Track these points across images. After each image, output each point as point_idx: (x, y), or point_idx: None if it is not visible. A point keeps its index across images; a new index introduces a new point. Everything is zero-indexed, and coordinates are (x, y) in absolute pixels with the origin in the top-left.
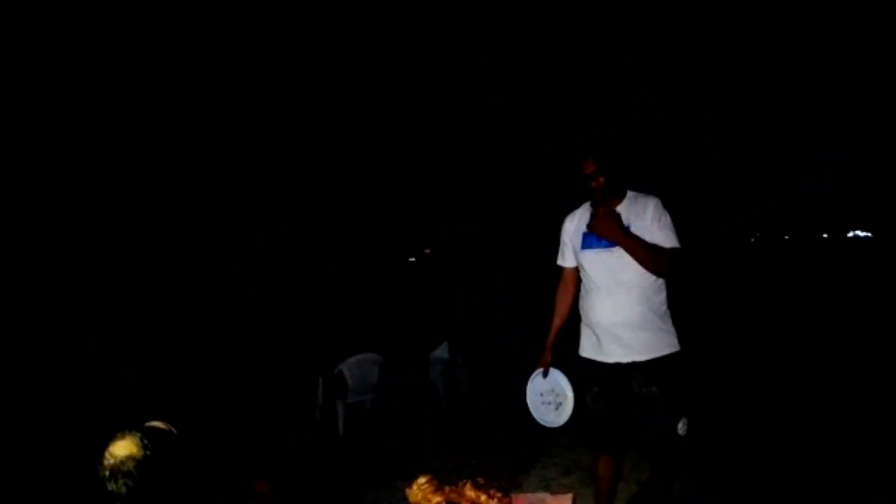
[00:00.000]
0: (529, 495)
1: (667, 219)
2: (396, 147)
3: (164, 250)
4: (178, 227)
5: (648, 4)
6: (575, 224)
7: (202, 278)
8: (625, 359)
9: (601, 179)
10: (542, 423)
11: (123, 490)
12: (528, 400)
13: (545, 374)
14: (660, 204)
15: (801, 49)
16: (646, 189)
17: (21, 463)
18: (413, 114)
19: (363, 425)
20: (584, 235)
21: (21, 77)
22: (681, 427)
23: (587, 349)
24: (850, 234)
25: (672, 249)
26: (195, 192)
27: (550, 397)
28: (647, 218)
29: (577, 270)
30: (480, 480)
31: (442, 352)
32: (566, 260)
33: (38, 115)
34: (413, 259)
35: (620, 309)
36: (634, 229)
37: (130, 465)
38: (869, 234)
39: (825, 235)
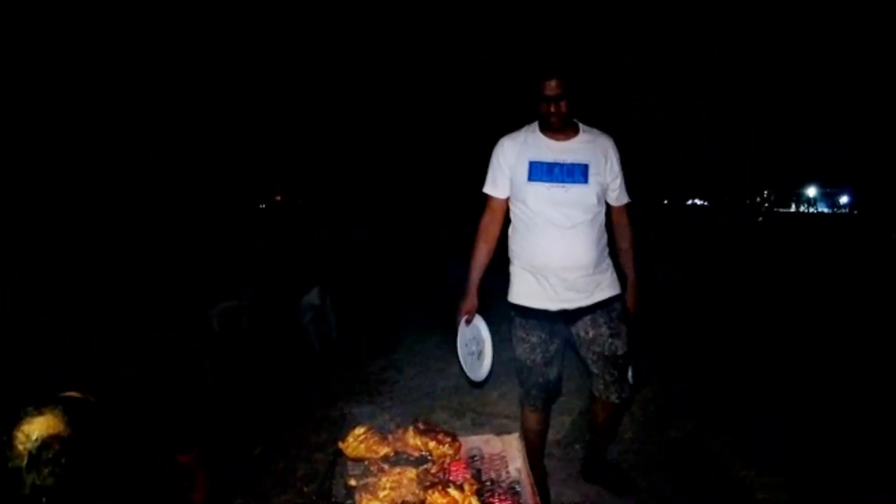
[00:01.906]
0: (474, 437)
1: (621, 169)
2: (395, 147)
3: (165, 250)
4: (178, 227)
5: (649, 4)
6: (518, 150)
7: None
8: (572, 305)
9: (563, 105)
10: (471, 377)
11: (50, 481)
12: (459, 353)
13: (469, 321)
14: (616, 149)
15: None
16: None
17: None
18: (413, 115)
19: (233, 376)
20: (532, 164)
21: (21, 79)
22: (630, 374)
23: (525, 296)
24: (689, 202)
25: (628, 205)
26: (195, 191)
27: (473, 346)
28: (606, 161)
29: (507, 203)
30: (421, 426)
31: (312, 297)
32: (499, 189)
33: (38, 116)
34: (263, 206)
35: (574, 251)
36: (592, 169)
37: (55, 447)
38: (705, 203)
39: (665, 202)
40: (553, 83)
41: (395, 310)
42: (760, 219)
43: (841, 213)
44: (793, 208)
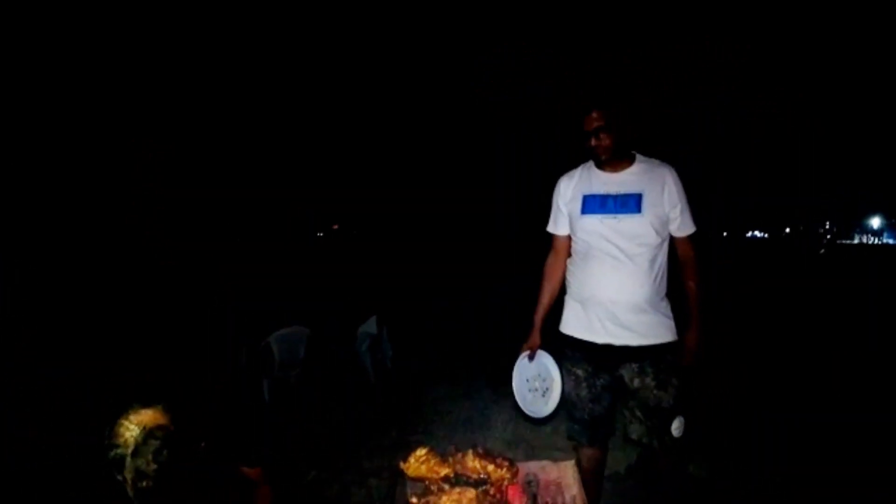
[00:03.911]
0: (531, 463)
1: (685, 198)
2: (395, 145)
3: (164, 250)
4: (178, 226)
5: (648, 4)
6: (573, 187)
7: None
8: (617, 341)
9: (605, 137)
10: (529, 413)
11: (153, 468)
12: (514, 387)
13: (531, 357)
14: (677, 178)
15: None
16: (647, 152)
17: (20, 466)
18: (417, 116)
19: (289, 400)
20: (586, 198)
21: (22, 79)
22: (675, 427)
23: (572, 326)
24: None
25: (693, 236)
26: (195, 191)
27: (537, 383)
28: (662, 193)
29: (569, 240)
30: (480, 450)
31: (369, 326)
32: (559, 227)
33: (38, 117)
34: (321, 234)
35: (624, 285)
36: (647, 199)
37: (159, 436)
38: (765, 235)
39: (724, 234)
40: (593, 115)
41: (451, 341)
42: (822, 251)
43: None
44: (856, 240)
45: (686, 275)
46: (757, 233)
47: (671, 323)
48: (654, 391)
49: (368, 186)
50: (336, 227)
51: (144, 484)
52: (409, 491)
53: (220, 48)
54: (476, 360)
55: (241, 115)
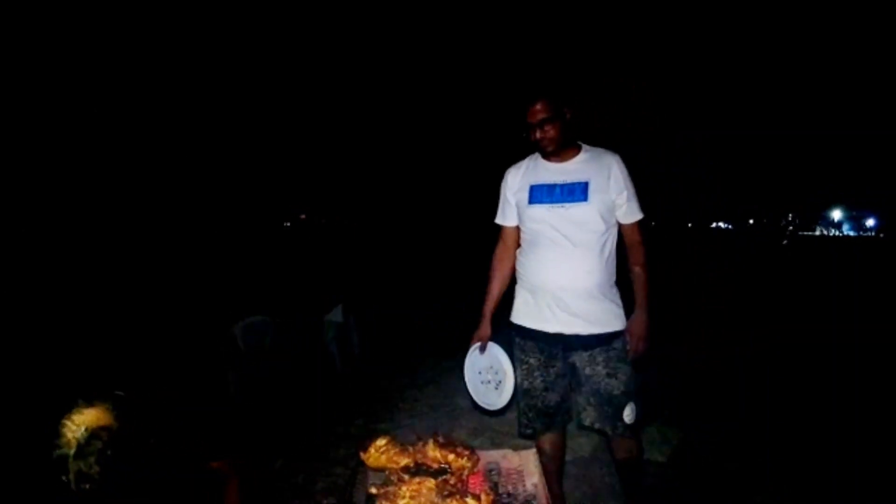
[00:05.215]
0: (492, 452)
1: (631, 185)
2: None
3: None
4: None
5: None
6: (520, 178)
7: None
8: (568, 329)
9: (550, 128)
10: (483, 405)
11: (95, 470)
12: (467, 379)
13: (482, 349)
14: (622, 165)
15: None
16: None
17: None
18: (416, 118)
19: (256, 391)
20: (533, 188)
21: (22, 79)
22: (628, 414)
23: (523, 315)
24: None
25: (640, 223)
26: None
27: (490, 375)
28: (608, 180)
29: (517, 230)
30: (440, 439)
31: (336, 315)
32: (507, 218)
33: (39, 117)
34: (288, 224)
35: (572, 272)
36: (593, 187)
37: (103, 437)
38: (729, 226)
39: (689, 225)
40: (537, 107)
41: (418, 329)
42: (784, 242)
43: (867, 237)
44: (817, 231)
45: (633, 261)
46: (721, 224)
47: (620, 311)
48: (605, 379)
49: (336, 176)
50: (304, 216)
51: (87, 486)
52: (369, 481)
53: (221, 51)
54: (442, 346)
55: (267, 133)
